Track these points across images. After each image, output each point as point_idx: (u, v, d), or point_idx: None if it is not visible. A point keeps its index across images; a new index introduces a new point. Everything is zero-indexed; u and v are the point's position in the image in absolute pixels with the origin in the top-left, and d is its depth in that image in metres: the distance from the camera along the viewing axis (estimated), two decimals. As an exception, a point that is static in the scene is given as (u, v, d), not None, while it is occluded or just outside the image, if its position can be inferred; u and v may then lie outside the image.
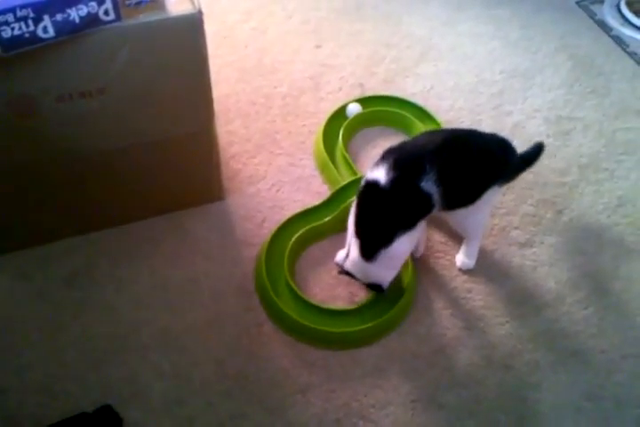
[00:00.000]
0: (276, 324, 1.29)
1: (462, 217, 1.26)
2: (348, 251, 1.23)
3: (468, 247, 1.37)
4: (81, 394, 1.18)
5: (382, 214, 1.16)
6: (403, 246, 1.19)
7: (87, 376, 1.20)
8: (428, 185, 1.13)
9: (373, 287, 1.25)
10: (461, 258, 1.38)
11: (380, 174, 1.14)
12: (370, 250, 1.18)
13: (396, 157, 1.15)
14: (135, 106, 1.16)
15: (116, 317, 1.29)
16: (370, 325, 1.25)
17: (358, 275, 1.24)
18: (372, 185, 1.15)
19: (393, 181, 1.13)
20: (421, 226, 1.23)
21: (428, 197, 1.14)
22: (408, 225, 1.17)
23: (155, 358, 1.23)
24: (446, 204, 1.18)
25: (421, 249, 1.39)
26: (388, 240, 1.16)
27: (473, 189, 1.21)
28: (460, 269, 1.39)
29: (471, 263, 1.38)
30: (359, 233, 1.19)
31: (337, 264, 1.30)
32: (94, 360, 1.22)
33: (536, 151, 1.34)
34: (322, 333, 1.25)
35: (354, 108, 1.62)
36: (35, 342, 1.25)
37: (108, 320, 1.28)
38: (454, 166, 1.15)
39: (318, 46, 1.86)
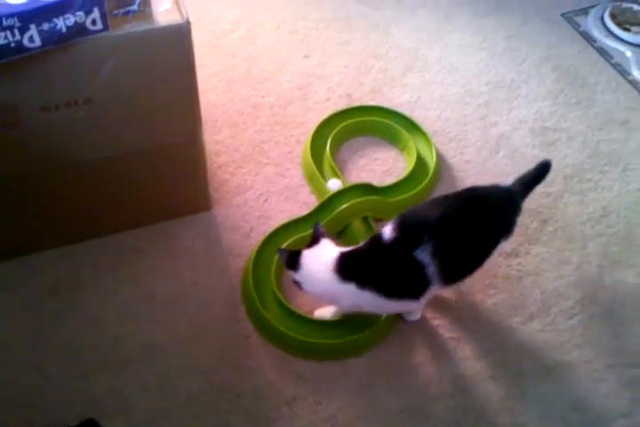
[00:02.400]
0: (263, 335, 1.28)
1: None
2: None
3: None
4: (64, 408, 1.16)
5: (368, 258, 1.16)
6: (365, 299, 1.15)
7: (70, 389, 1.19)
8: (423, 255, 1.11)
9: (296, 283, 1.21)
10: None
11: (386, 231, 1.15)
12: (347, 271, 1.15)
13: (399, 223, 1.15)
14: (122, 116, 1.16)
15: (101, 328, 1.27)
16: (357, 336, 1.25)
17: (306, 269, 1.17)
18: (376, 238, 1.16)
19: (391, 243, 1.13)
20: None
21: (421, 267, 1.11)
22: (383, 288, 1.13)
23: (139, 371, 1.22)
24: (449, 275, 1.15)
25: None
26: (361, 280, 1.14)
27: (479, 257, 1.19)
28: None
29: None
30: None
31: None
32: (78, 373, 1.21)
33: (543, 170, 1.30)
34: (309, 344, 1.25)
35: (334, 185, 1.50)
36: (17, 354, 1.23)
37: (92, 332, 1.27)
38: (453, 242, 1.13)
39: (306, 56, 1.87)
